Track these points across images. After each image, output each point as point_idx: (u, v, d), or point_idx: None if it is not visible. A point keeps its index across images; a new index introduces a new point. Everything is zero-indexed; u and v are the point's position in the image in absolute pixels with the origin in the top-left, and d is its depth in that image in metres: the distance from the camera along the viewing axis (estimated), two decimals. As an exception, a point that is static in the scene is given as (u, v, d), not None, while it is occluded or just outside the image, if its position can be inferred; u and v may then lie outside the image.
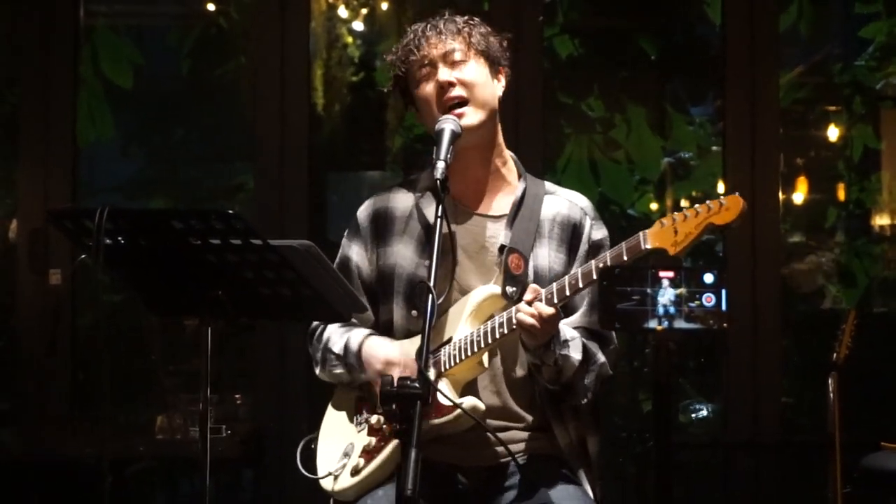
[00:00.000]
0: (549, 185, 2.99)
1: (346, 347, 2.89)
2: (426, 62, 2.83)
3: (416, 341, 2.82)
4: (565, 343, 2.73)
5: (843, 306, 5.99)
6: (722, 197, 2.50)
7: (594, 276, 2.61)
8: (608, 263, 2.59)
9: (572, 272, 2.66)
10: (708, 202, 2.50)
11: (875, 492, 4.13)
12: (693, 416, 5.89)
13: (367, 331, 2.92)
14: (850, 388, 4.15)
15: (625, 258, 2.58)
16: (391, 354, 2.81)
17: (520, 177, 2.95)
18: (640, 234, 2.56)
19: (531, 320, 2.63)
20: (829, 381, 4.09)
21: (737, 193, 2.48)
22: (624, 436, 5.57)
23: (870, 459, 4.01)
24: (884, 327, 5.93)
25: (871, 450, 4.06)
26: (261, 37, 4.97)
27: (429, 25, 2.87)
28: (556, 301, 2.64)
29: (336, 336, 2.94)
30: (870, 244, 6.19)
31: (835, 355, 4.14)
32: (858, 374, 4.38)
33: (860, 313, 4.27)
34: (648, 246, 2.53)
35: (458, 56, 2.83)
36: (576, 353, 2.75)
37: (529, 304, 2.64)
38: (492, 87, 2.86)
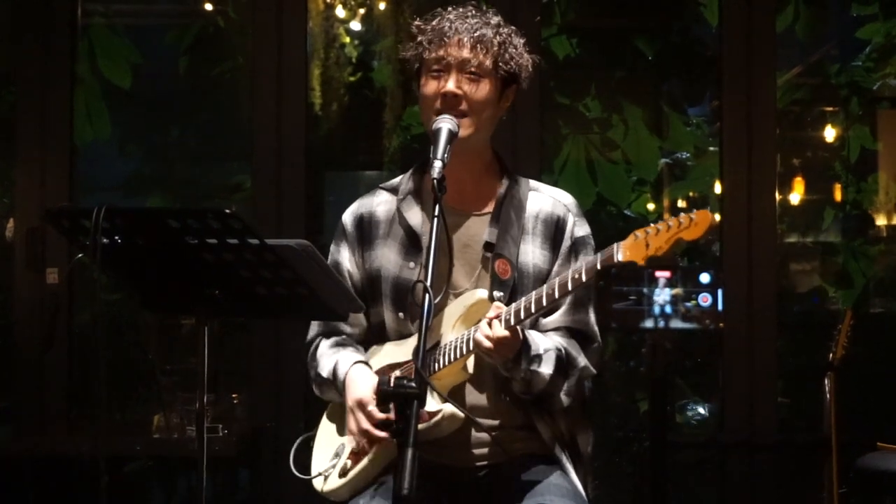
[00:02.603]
0: (532, 182, 2.99)
1: (335, 373, 2.90)
2: (444, 60, 2.79)
3: (403, 343, 2.85)
4: (536, 358, 2.73)
5: (840, 307, 6.00)
6: (693, 212, 2.50)
7: (556, 295, 2.62)
8: (582, 277, 2.59)
9: (535, 292, 2.66)
10: (680, 217, 2.50)
11: (871, 492, 4.13)
12: (689, 416, 5.90)
13: (355, 358, 2.91)
14: (846, 388, 4.15)
15: (598, 269, 2.58)
16: (363, 395, 2.78)
17: (503, 175, 2.95)
18: (615, 245, 2.55)
19: (487, 343, 2.64)
20: (826, 382, 4.10)
21: (707, 209, 2.48)
22: (620, 435, 5.58)
23: (866, 460, 4.02)
24: (880, 328, 5.94)
25: (867, 450, 4.06)
26: (258, 36, 4.96)
27: (466, 24, 2.80)
28: (512, 323, 2.64)
29: (325, 359, 2.95)
30: (866, 245, 6.21)
31: (831, 355, 4.14)
32: (855, 374, 4.39)
33: (856, 314, 4.27)
34: (620, 258, 2.53)
35: (477, 70, 2.79)
36: (546, 369, 2.75)
37: (490, 323, 2.65)
38: (495, 109, 2.85)
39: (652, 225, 2.52)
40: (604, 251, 2.58)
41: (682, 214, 2.49)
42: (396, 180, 3.01)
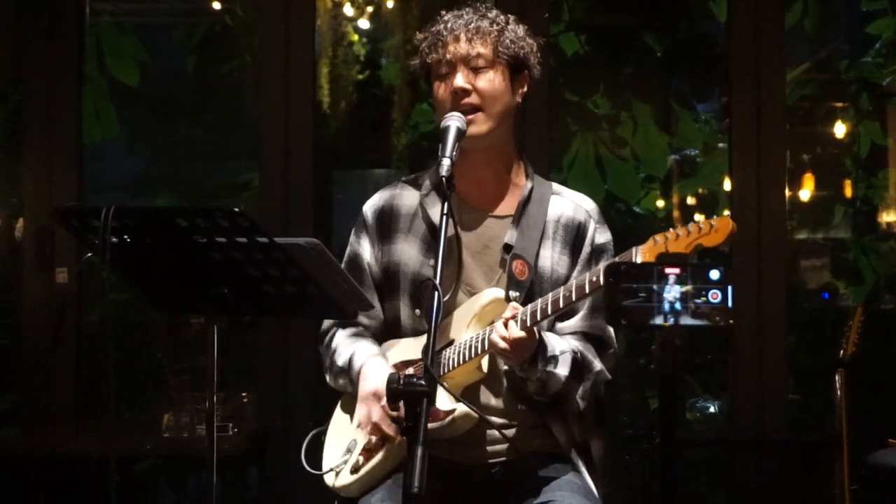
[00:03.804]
0: (556, 186, 2.98)
1: (350, 364, 2.89)
2: (446, 59, 2.80)
3: (419, 340, 2.84)
4: (552, 359, 2.72)
5: (851, 303, 5.98)
6: (713, 218, 2.48)
7: (573, 298, 2.61)
8: (600, 280, 2.56)
9: (552, 293, 2.65)
10: (700, 222, 2.47)
11: (882, 489, 4.12)
12: (699, 413, 5.89)
13: (372, 351, 2.91)
14: (857, 384, 4.14)
15: None
16: (378, 387, 2.77)
17: (527, 177, 2.94)
18: (633, 249, 2.53)
19: (502, 344, 2.63)
20: (836, 378, 4.09)
21: (727, 214, 2.47)
22: (630, 433, 5.56)
23: (877, 456, 4.00)
24: (891, 324, 5.93)
25: (878, 447, 4.05)
26: (266, 35, 4.96)
27: (462, 20, 2.82)
28: (529, 324, 2.63)
29: (342, 347, 2.94)
30: (877, 241, 6.19)
31: (842, 352, 4.13)
32: (865, 370, 4.38)
33: (867, 310, 4.26)
34: (639, 262, 2.52)
35: (480, 63, 2.79)
36: (562, 370, 2.74)
37: (506, 323, 2.64)
38: (508, 97, 2.84)
39: (671, 230, 2.50)
40: (622, 255, 2.57)
41: (703, 220, 2.47)
42: (419, 175, 3.00)
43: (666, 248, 2.49)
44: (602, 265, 2.69)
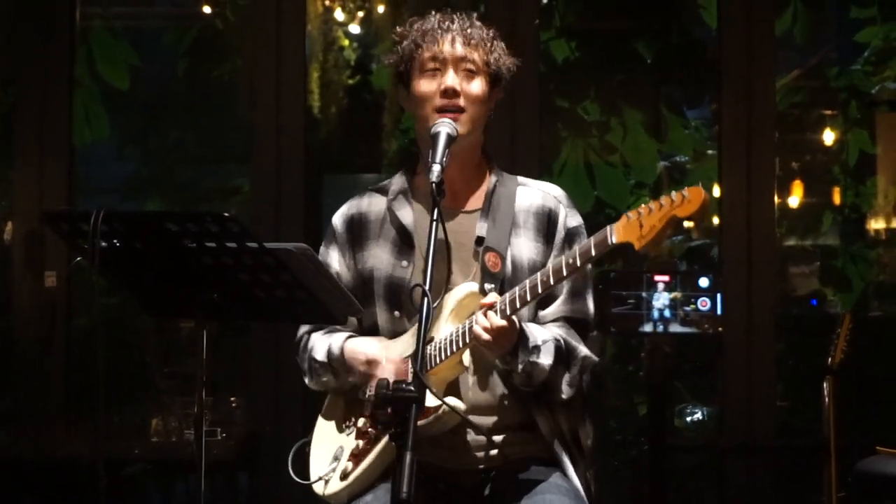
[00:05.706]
0: (520, 178, 2.99)
1: (329, 353, 2.89)
2: (440, 57, 2.81)
3: (399, 341, 2.84)
4: (535, 349, 2.72)
5: (839, 310, 6.00)
6: (685, 189, 2.47)
7: (551, 282, 2.61)
8: (577, 262, 2.56)
9: (529, 279, 2.65)
10: (672, 194, 2.46)
11: (870, 496, 4.12)
12: (688, 419, 5.90)
13: (347, 333, 2.93)
14: (845, 392, 4.15)
15: (592, 253, 2.56)
16: (372, 353, 2.82)
17: (490, 171, 2.96)
18: (608, 227, 2.52)
19: (485, 335, 2.63)
20: (825, 385, 4.10)
21: (700, 185, 2.45)
22: (619, 439, 5.57)
23: (865, 464, 4.01)
24: (879, 331, 5.94)
25: (866, 454, 4.06)
26: (257, 39, 4.96)
27: (455, 22, 2.84)
28: (508, 312, 2.63)
29: (319, 344, 2.95)
30: (865, 248, 6.21)
31: (830, 359, 4.14)
32: (854, 378, 4.39)
33: (855, 317, 4.27)
34: (615, 240, 2.50)
35: (471, 67, 2.81)
36: (546, 359, 2.73)
37: (486, 313, 2.64)
38: (487, 106, 2.86)
39: (643, 205, 2.49)
40: (596, 234, 2.55)
41: (674, 192, 2.46)
42: (386, 182, 3.02)
43: (640, 223, 2.48)
44: (577, 247, 2.68)
